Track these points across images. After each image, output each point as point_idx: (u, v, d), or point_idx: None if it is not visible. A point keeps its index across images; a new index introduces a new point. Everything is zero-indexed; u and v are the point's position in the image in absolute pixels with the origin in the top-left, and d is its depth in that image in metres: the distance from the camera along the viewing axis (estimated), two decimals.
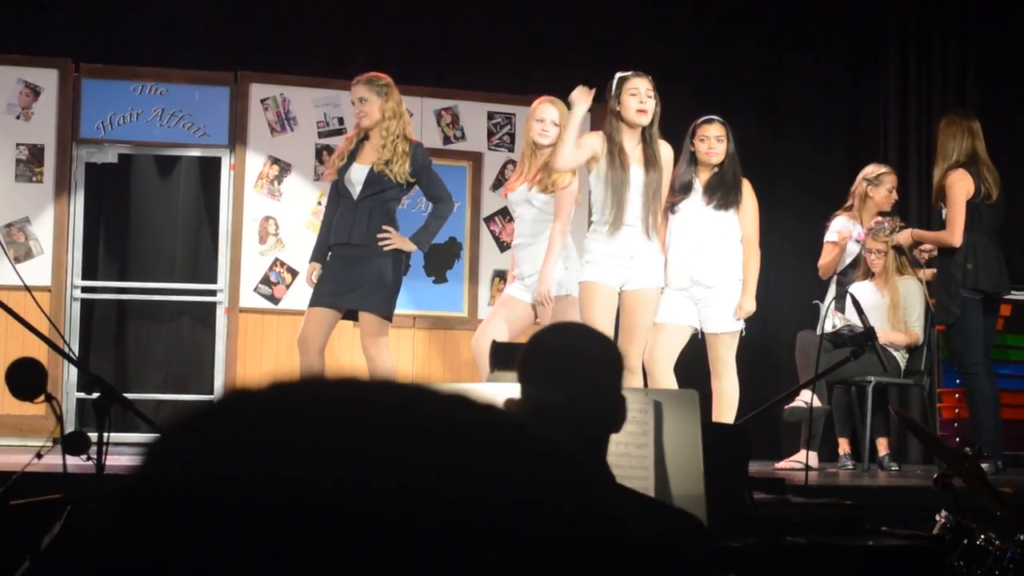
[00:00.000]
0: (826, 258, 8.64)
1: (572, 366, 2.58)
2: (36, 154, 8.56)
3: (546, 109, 7.32)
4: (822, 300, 8.25)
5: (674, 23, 10.18)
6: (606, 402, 2.60)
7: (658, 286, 7.12)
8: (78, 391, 8.34)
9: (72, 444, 3.63)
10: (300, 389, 0.77)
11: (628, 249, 7.03)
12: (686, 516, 2.63)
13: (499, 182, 9.01)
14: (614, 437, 2.63)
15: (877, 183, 8.55)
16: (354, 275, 7.06)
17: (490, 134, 9.23)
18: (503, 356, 4.28)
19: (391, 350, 7.29)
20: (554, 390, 2.55)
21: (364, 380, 0.77)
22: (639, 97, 7.01)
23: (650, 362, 7.24)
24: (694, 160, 7.42)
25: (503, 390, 2.79)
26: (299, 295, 8.19)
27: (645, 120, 7.03)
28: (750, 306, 7.36)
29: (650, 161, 7.05)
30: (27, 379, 3.48)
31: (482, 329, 7.39)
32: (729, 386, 7.37)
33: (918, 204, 9.78)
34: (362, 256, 7.07)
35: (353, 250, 7.09)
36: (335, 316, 7.15)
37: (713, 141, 7.41)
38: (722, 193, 7.43)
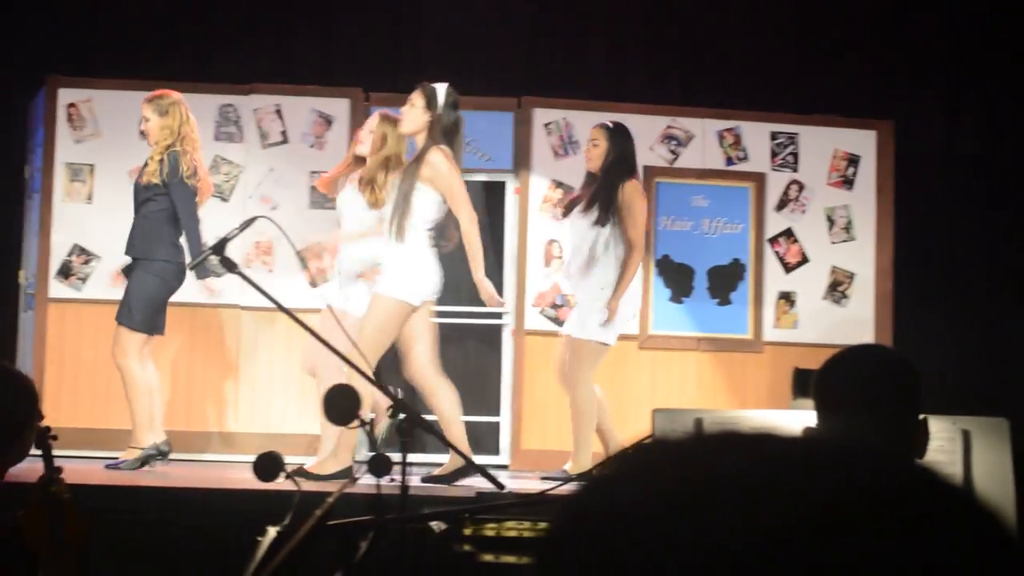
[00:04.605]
0: None
1: (869, 393, 2.50)
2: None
3: (371, 119, 7.41)
4: None
5: None
6: (907, 428, 2.51)
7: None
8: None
9: (376, 466, 3.74)
10: (716, 439, 0.79)
11: None
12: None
13: (783, 203, 9.01)
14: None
15: None
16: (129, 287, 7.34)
17: (773, 154, 9.11)
18: (806, 382, 4.21)
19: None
20: (852, 418, 2.47)
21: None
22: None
23: (558, 372, 7.41)
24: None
25: (802, 419, 2.74)
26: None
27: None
28: (614, 305, 7.18)
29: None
30: (343, 404, 3.60)
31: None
32: (579, 400, 7.17)
33: None
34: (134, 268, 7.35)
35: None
36: None
37: (590, 145, 7.24)
38: (600, 205, 7.21)
